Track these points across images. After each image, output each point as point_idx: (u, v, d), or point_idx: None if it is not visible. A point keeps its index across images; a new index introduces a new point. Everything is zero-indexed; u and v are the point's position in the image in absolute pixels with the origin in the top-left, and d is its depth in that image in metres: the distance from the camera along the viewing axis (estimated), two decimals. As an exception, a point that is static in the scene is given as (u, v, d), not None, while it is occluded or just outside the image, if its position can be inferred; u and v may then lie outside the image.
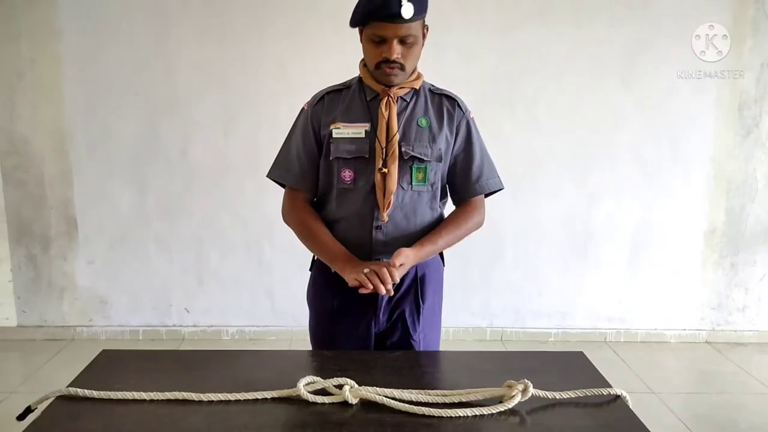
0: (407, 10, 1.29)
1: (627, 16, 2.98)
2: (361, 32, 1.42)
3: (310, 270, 1.62)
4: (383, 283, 1.32)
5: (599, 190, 3.16)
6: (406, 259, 1.38)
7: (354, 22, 1.40)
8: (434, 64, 2.98)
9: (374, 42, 1.37)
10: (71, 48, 2.97)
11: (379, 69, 1.39)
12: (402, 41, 1.35)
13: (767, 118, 3.08)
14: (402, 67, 1.39)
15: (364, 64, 1.49)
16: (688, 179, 3.15)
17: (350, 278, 1.37)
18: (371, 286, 1.32)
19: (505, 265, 3.23)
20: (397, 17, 1.30)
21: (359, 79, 1.51)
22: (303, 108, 1.54)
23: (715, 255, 3.23)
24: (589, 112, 3.08)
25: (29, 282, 3.20)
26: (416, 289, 1.53)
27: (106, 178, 3.10)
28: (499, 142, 3.09)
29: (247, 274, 3.21)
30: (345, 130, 1.44)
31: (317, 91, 1.54)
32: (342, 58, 2.93)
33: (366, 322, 1.51)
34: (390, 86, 1.44)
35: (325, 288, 1.54)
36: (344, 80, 1.55)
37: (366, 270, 1.34)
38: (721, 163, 3.14)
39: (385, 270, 1.32)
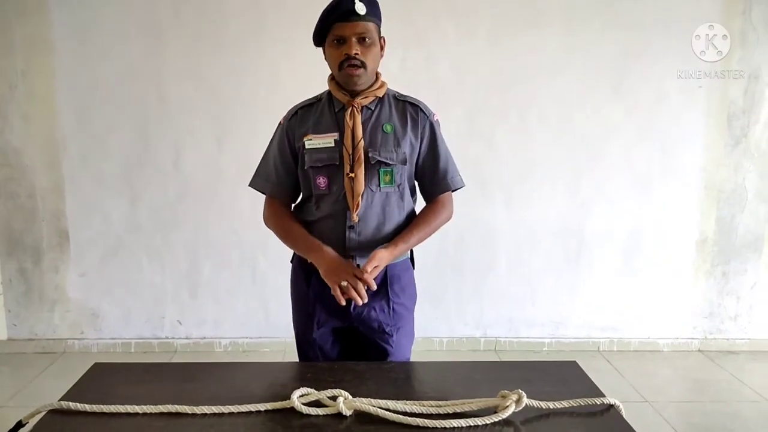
0: (360, 7, 1.47)
1: (618, 24, 3.01)
2: (324, 49, 1.58)
3: (291, 262, 1.73)
4: (360, 296, 1.45)
5: (591, 199, 3.18)
6: (380, 261, 1.49)
7: (316, 34, 1.56)
8: (427, 72, 3.03)
9: (335, 44, 1.51)
10: (64, 59, 2.97)
11: (343, 70, 1.51)
12: (360, 40, 1.50)
13: (755, 129, 3.12)
14: (363, 66, 1.51)
15: (332, 77, 1.62)
16: (679, 189, 3.18)
17: (330, 283, 1.48)
18: (349, 298, 1.46)
19: (498, 274, 3.23)
20: (352, 14, 1.47)
21: (328, 93, 1.64)
22: (280, 122, 1.68)
23: (706, 264, 3.26)
24: (580, 120, 3.11)
25: (20, 295, 3.17)
26: (386, 287, 1.62)
27: (98, 189, 3.09)
28: (490, 151, 3.12)
29: (241, 285, 3.20)
30: (316, 141, 1.57)
31: (291, 107, 1.68)
32: (335, 69, 2.96)
33: (340, 309, 1.59)
34: (355, 93, 1.55)
35: (303, 276, 1.65)
36: (316, 94, 1.68)
37: (343, 284, 1.45)
38: (711, 173, 3.17)
39: (360, 285, 1.45)
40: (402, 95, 1.65)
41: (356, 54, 1.49)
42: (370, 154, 1.54)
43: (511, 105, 3.09)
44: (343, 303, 1.46)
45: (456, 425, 1.09)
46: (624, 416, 1.18)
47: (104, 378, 1.33)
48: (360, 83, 1.54)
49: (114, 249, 3.14)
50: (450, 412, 1.14)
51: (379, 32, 1.56)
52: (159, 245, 3.15)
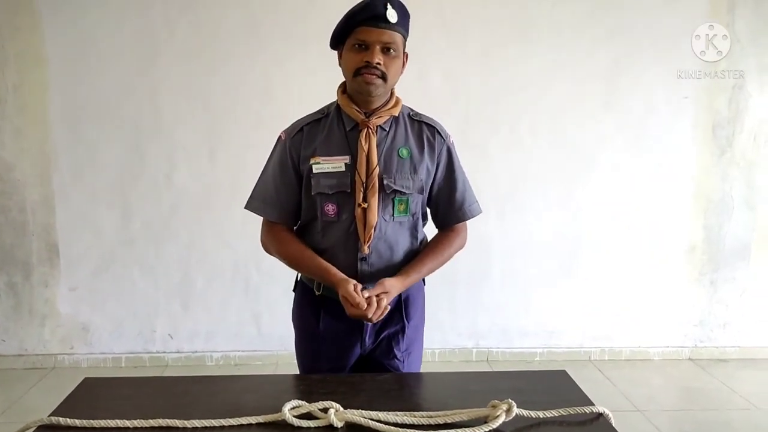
0: (392, 14, 1.32)
1: (607, 36, 3.06)
2: (339, 53, 1.43)
3: (294, 291, 1.62)
4: (377, 308, 1.33)
5: (583, 209, 3.21)
6: (391, 288, 1.39)
7: (335, 37, 1.41)
8: (418, 84, 3.05)
9: (356, 49, 1.36)
10: (56, 74, 2.97)
11: (359, 76, 1.36)
12: (384, 50, 1.35)
13: (741, 138, 3.17)
14: (383, 77, 1.36)
15: (342, 90, 1.47)
16: (668, 198, 3.22)
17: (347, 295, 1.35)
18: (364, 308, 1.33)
19: (491, 284, 3.25)
20: (382, 20, 1.32)
21: (337, 107, 1.48)
22: (280, 137, 1.51)
23: (695, 272, 3.29)
24: (572, 131, 3.14)
25: (9, 310, 3.15)
26: (401, 310, 1.54)
27: (90, 203, 3.08)
28: (483, 162, 3.14)
29: (233, 298, 3.19)
30: (325, 165, 1.42)
31: (295, 121, 1.51)
32: (328, 83, 2.98)
33: (352, 344, 1.53)
34: (369, 111, 1.42)
35: (310, 310, 1.54)
36: (321, 107, 1.53)
37: (363, 297, 1.34)
38: (699, 182, 3.21)
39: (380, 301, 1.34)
40: (417, 114, 1.52)
41: (378, 63, 1.34)
42: (385, 182, 1.41)
43: (503, 117, 3.12)
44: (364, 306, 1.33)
45: (447, 436, 1.10)
46: (613, 425, 1.18)
47: (94, 393, 1.32)
48: (375, 94, 1.38)
49: (105, 263, 3.13)
50: (441, 422, 1.14)
51: (405, 45, 1.42)
52: (151, 259, 3.14)
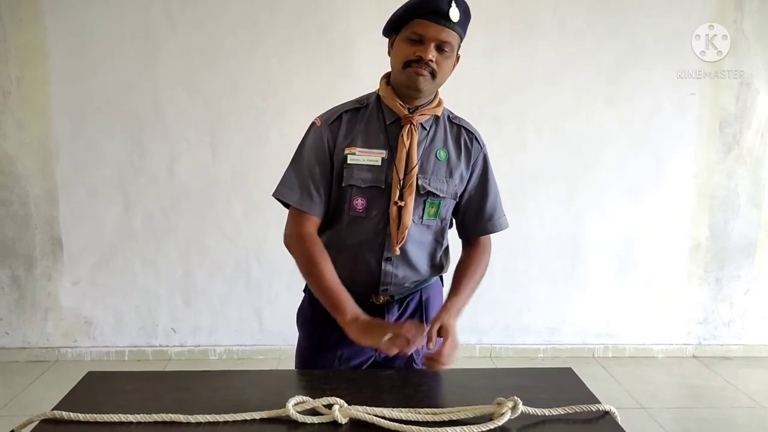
0: (454, 13, 1.27)
1: (610, 36, 3.04)
2: (391, 42, 1.37)
3: (305, 291, 1.54)
4: (411, 343, 1.24)
5: (586, 206, 3.19)
6: (452, 326, 1.36)
7: (391, 24, 1.35)
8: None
9: (411, 41, 1.30)
10: (58, 67, 2.97)
11: (408, 68, 1.30)
12: (439, 48, 1.30)
13: (747, 135, 3.15)
14: (433, 74, 1.31)
15: (386, 82, 1.40)
16: (672, 196, 3.20)
17: (365, 343, 1.28)
18: (396, 351, 1.24)
19: (494, 281, 3.23)
20: (443, 16, 1.27)
21: (377, 98, 1.41)
22: (314, 123, 1.42)
23: (700, 270, 3.27)
24: (575, 130, 3.13)
25: (12, 303, 3.15)
26: (421, 313, 1.50)
27: (92, 197, 3.08)
28: (486, 160, 3.13)
29: (235, 292, 3.18)
30: (361, 157, 1.35)
31: (332, 108, 1.43)
32: (329, 79, 2.98)
33: (368, 351, 1.46)
34: (412, 107, 1.37)
35: (325, 316, 1.42)
36: (357, 96, 1.45)
37: (388, 335, 1.24)
38: (704, 180, 3.19)
39: (412, 335, 1.24)
40: (456, 117, 1.48)
41: (430, 60, 1.29)
42: (419, 182, 1.36)
43: (505, 115, 3.10)
44: (394, 352, 1.24)
45: (452, 433, 1.08)
46: (619, 423, 1.18)
47: (98, 387, 1.32)
48: (422, 88, 1.32)
49: (107, 256, 3.13)
50: (446, 419, 1.13)
51: (459, 47, 1.38)
52: (153, 253, 3.14)
